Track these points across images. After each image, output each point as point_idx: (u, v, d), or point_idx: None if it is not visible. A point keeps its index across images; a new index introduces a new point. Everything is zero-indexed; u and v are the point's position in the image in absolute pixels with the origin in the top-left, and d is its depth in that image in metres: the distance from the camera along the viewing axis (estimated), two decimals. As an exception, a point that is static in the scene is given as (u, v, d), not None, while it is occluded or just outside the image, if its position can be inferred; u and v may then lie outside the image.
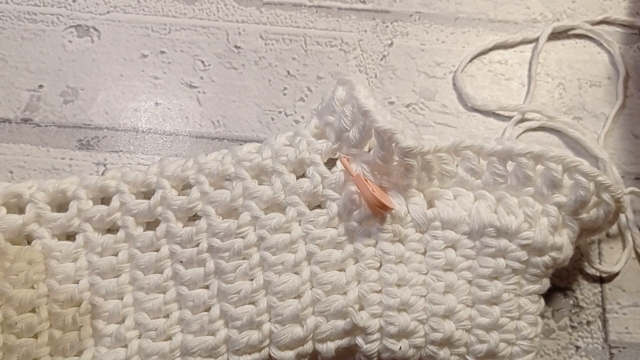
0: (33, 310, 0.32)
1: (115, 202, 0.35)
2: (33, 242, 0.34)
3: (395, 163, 0.34)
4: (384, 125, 0.34)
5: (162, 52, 0.44)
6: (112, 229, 0.35)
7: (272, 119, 0.43)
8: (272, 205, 0.34)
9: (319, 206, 0.35)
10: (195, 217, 0.35)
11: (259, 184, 0.35)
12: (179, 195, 0.35)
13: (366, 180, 0.34)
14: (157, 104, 0.43)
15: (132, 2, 0.46)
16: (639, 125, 0.44)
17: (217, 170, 0.35)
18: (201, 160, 0.35)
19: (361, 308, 0.33)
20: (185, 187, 0.36)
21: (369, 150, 0.36)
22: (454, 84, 0.44)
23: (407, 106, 0.44)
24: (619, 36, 0.46)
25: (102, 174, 0.36)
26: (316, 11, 0.46)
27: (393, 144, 0.35)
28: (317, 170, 0.35)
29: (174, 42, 0.45)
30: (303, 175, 0.36)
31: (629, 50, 0.46)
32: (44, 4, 0.45)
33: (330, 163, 0.36)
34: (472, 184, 0.35)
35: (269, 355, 0.32)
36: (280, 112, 0.43)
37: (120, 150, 0.41)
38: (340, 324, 0.33)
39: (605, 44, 0.45)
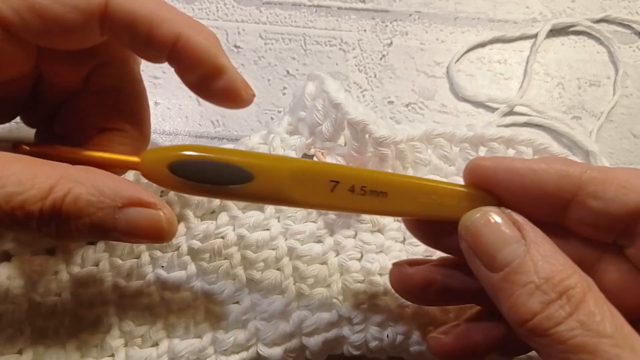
0: (15, 327, 0.32)
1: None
2: (12, 259, 0.34)
3: (370, 154, 0.35)
4: (356, 117, 0.34)
5: (161, 51, 0.44)
6: (92, 241, 0.35)
7: (272, 119, 0.43)
8: (249, 204, 0.35)
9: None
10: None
11: (235, 184, 0.35)
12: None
13: (342, 173, 0.34)
14: (156, 103, 0.43)
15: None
16: (638, 125, 0.44)
17: (193, 174, 0.35)
18: (177, 165, 0.35)
19: (345, 299, 0.33)
20: (163, 192, 0.36)
21: (344, 144, 0.36)
22: (447, 75, 0.45)
23: (407, 106, 0.44)
24: (618, 35, 0.47)
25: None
26: (316, 11, 0.46)
27: (366, 135, 0.35)
28: (293, 166, 0.35)
29: (174, 42, 0.45)
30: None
31: (628, 49, 0.46)
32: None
33: (305, 159, 0.36)
34: (446, 170, 0.36)
35: (257, 353, 0.32)
36: (279, 112, 0.43)
37: (121, 150, 0.41)
38: (325, 316, 0.33)
39: (604, 40, 0.46)
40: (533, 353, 0.33)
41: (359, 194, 0.26)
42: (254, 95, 0.29)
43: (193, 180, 0.25)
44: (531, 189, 0.25)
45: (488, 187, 0.26)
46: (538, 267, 0.22)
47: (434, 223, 0.27)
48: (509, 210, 0.24)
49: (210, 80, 0.28)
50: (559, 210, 0.25)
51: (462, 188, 0.26)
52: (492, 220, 0.24)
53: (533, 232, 0.23)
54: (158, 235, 0.26)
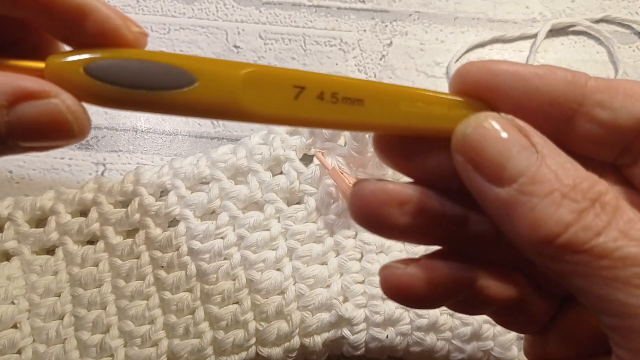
0: (15, 326, 0.32)
1: (93, 213, 0.35)
2: (12, 259, 0.34)
3: (370, 154, 0.35)
4: (356, 117, 0.34)
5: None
6: (92, 240, 0.35)
7: (272, 118, 0.43)
8: (250, 204, 0.35)
9: (298, 203, 0.35)
10: (174, 222, 0.35)
11: (235, 185, 0.35)
12: (156, 201, 0.35)
13: (342, 173, 0.34)
14: None
15: (131, 1, 0.45)
16: None
17: (192, 174, 0.35)
18: (176, 165, 0.35)
19: (345, 299, 0.33)
20: (163, 193, 0.36)
21: (344, 144, 0.36)
22: (447, 75, 0.45)
23: (407, 106, 0.44)
24: (618, 35, 0.47)
25: (102, 174, 0.36)
26: (315, 11, 0.46)
27: (367, 135, 0.35)
28: (293, 166, 0.35)
29: (173, 42, 0.44)
30: (280, 173, 0.36)
31: (628, 49, 0.46)
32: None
33: (306, 159, 0.36)
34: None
35: (257, 353, 0.32)
36: (279, 112, 0.43)
37: (120, 150, 0.41)
38: (325, 316, 0.33)
39: (604, 40, 0.46)
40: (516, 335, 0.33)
41: (329, 102, 0.21)
42: (144, 34, 0.22)
43: (117, 84, 0.20)
44: (535, 97, 0.21)
45: (483, 95, 0.22)
46: (559, 173, 0.19)
47: (412, 140, 0.22)
48: (511, 116, 0.21)
49: (76, 26, 0.21)
50: (562, 123, 0.22)
51: (453, 96, 0.22)
52: (495, 127, 0.20)
53: (542, 140, 0.20)
54: (64, 130, 0.20)
